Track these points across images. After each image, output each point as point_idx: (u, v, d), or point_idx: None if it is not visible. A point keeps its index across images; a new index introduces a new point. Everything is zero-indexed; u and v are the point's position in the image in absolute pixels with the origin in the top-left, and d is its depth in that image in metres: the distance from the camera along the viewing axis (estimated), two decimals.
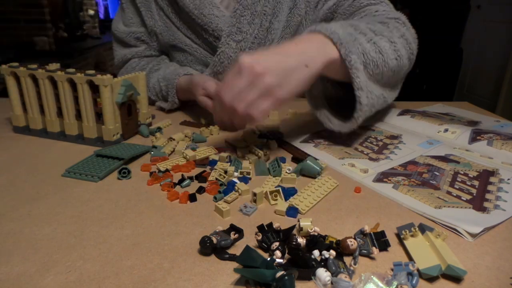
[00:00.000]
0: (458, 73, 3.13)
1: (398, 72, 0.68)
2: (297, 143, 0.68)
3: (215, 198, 0.49)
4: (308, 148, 0.66)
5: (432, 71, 2.94)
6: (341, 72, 0.59)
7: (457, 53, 3.04)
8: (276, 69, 0.53)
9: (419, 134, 0.74)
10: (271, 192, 0.49)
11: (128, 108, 0.69)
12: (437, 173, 0.57)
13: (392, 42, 0.64)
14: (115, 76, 0.66)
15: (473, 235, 0.42)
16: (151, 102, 0.90)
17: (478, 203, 0.49)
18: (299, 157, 0.60)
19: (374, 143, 0.68)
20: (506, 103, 2.90)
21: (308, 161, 0.56)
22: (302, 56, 0.55)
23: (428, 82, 2.96)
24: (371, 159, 0.62)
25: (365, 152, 0.65)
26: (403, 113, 0.85)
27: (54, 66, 0.68)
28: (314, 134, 0.73)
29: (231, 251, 0.39)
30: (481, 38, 3.23)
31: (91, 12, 4.65)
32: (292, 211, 0.46)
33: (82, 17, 4.52)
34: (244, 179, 0.54)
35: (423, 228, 0.41)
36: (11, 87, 0.69)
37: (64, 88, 0.64)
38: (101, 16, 5.39)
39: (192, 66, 0.92)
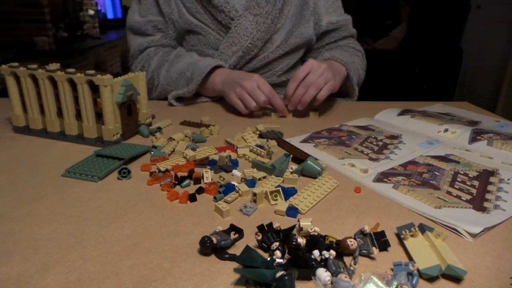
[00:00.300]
0: (458, 73, 3.12)
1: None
2: (297, 143, 0.68)
3: (215, 198, 0.49)
4: (308, 148, 0.66)
5: (432, 71, 2.94)
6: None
7: (457, 53, 3.03)
8: (331, 70, 0.85)
9: (419, 134, 0.74)
10: (271, 192, 0.49)
11: (128, 108, 0.69)
12: (437, 173, 0.57)
13: (362, 67, 1.03)
14: (115, 76, 0.66)
15: (473, 235, 0.42)
16: (160, 98, 0.93)
17: (478, 203, 0.49)
18: (299, 157, 0.60)
19: (374, 143, 0.68)
20: (506, 103, 2.90)
21: (308, 161, 0.56)
22: (337, 68, 0.90)
23: (428, 82, 2.96)
24: (371, 159, 0.62)
25: (365, 152, 0.65)
26: (403, 113, 0.85)
27: (54, 66, 0.68)
28: (314, 134, 0.73)
29: (231, 251, 0.39)
30: (481, 38, 3.23)
31: (91, 12, 4.65)
32: (292, 211, 0.46)
33: (82, 17, 4.52)
34: (250, 182, 0.53)
35: (423, 228, 0.41)
36: (11, 87, 0.68)
37: (64, 88, 0.64)
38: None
39: (205, 49, 0.96)
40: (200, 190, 0.50)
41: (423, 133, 0.75)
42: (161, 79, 0.94)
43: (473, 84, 3.39)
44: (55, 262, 0.37)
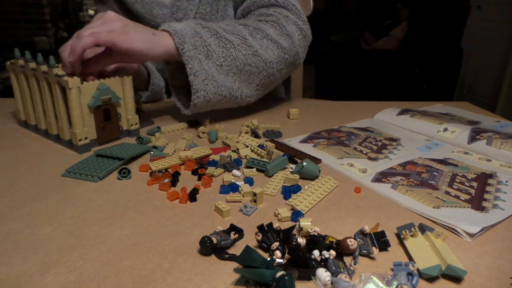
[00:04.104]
0: (458, 73, 3.13)
1: (263, 68, 0.76)
2: (297, 143, 0.68)
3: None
4: (307, 148, 0.66)
5: (432, 71, 2.94)
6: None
7: (457, 53, 3.04)
8: (128, 22, 0.64)
9: (419, 135, 0.74)
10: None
11: (105, 112, 0.66)
12: (435, 174, 0.57)
13: (244, 39, 0.72)
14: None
15: (472, 235, 0.42)
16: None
17: (477, 202, 0.49)
18: (297, 157, 0.60)
19: (373, 143, 0.68)
20: (506, 103, 2.90)
21: (305, 163, 0.55)
22: (152, 30, 0.67)
23: (428, 82, 2.96)
24: (370, 158, 0.62)
25: (364, 152, 0.65)
26: (402, 112, 0.85)
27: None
28: (313, 135, 0.73)
29: (231, 251, 0.39)
30: (481, 38, 3.23)
31: (91, 12, 4.65)
32: (296, 215, 0.45)
33: (82, 17, 4.52)
34: (249, 180, 0.54)
35: (423, 228, 0.41)
36: (15, 89, 0.69)
37: (44, 88, 0.63)
38: None
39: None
40: (196, 191, 0.50)
41: (422, 132, 0.75)
42: None
43: (473, 84, 3.39)
44: (55, 262, 0.37)
